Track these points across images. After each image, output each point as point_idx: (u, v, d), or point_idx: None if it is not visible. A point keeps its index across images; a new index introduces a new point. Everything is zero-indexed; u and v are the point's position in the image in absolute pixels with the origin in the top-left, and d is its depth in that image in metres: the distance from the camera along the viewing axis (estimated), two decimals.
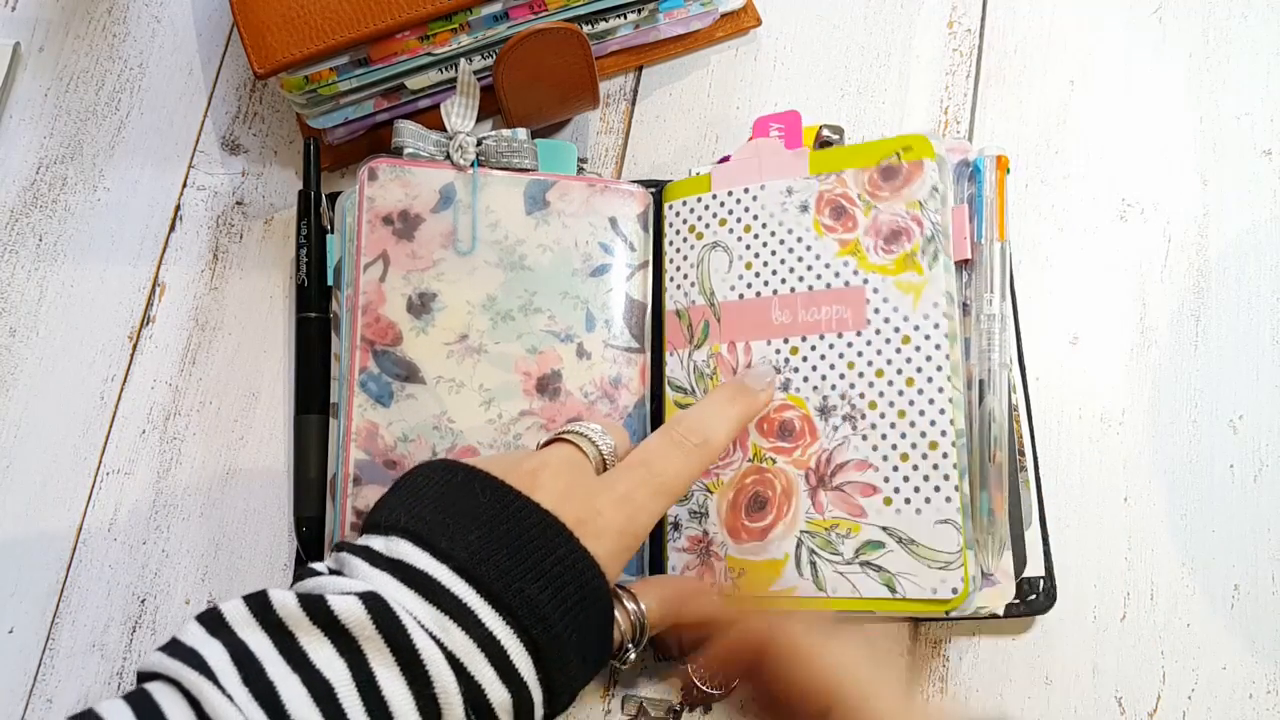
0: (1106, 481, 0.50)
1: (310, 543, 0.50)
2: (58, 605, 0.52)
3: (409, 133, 0.50)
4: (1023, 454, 0.47)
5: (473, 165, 0.50)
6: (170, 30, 0.61)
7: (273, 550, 0.52)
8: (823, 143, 0.50)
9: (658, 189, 0.53)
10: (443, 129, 0.51)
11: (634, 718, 0.48)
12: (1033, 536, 0.46)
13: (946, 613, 0.43)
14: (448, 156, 0.50)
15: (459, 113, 0.51)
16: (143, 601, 0.52)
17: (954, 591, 0.41)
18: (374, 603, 0.32)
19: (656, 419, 0.50)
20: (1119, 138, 0.56)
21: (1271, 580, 0.48)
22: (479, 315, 0.49)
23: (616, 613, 0.40)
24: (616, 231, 0.51)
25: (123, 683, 0.51)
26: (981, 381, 0.45)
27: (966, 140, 0.56)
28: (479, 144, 0.51)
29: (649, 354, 0.51)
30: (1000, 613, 0.46)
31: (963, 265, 0.46)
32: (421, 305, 0.48)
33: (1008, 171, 0.47)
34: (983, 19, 0.58)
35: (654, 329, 0.51)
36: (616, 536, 0.37)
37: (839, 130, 0.51)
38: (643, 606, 0.41)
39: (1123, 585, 0.49)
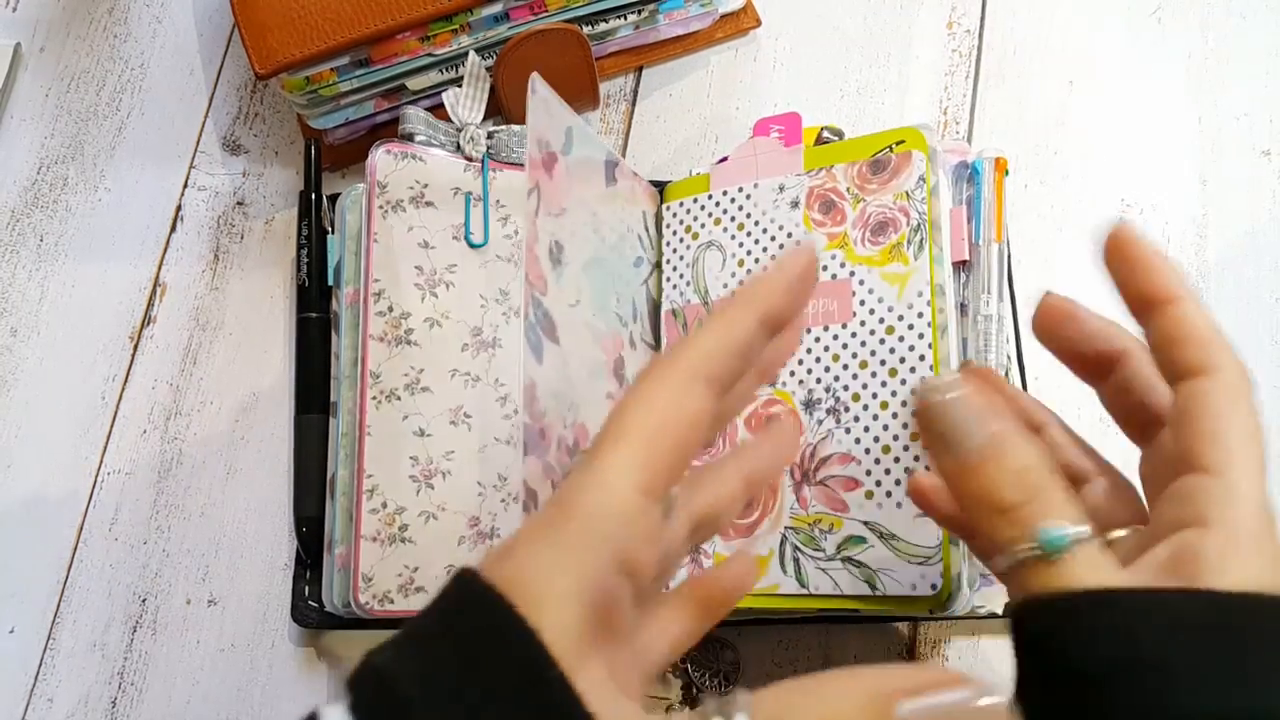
0: None
1: (310, 543, 0.50)
2: (58, 605, 0.52)
3: (420, 120, 0.50)
4: None
5: (484, 158, 0.50)
6: (171, 30, 0.62)
7: (273, 550, 0.52)
8: (822, 144, 0.50)
9: (659, 190, 0.53)
10: None
11: None
12: None
13: (930, 611, 0.42)
14: (458, 147, 0.50)
15: (466, 105, 0.51)
16: (143, 601, 0.52)
17: (933, 588, 0.41)
18: None
19: None
20: (1119, 138, 0.56)
21: None
22: (584, 281, 0.46)
23: None
24: (645, 227, 0.51)
25: (123, 682, 0.51)
26: None
27: (965, 142, 0.56)
28: (490, 137, 0.50)
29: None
30: (1000, 612, 0.46)
31: (961, 266, 0.46)
32: (558, 255, 0.43)
33: (1006, 173, 0.47)
34: (982, 20, 0.58)
35: (654, 330, 0.51)
36: None
37: (839, 133, 0.51)
38: None
39: None
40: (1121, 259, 0.30)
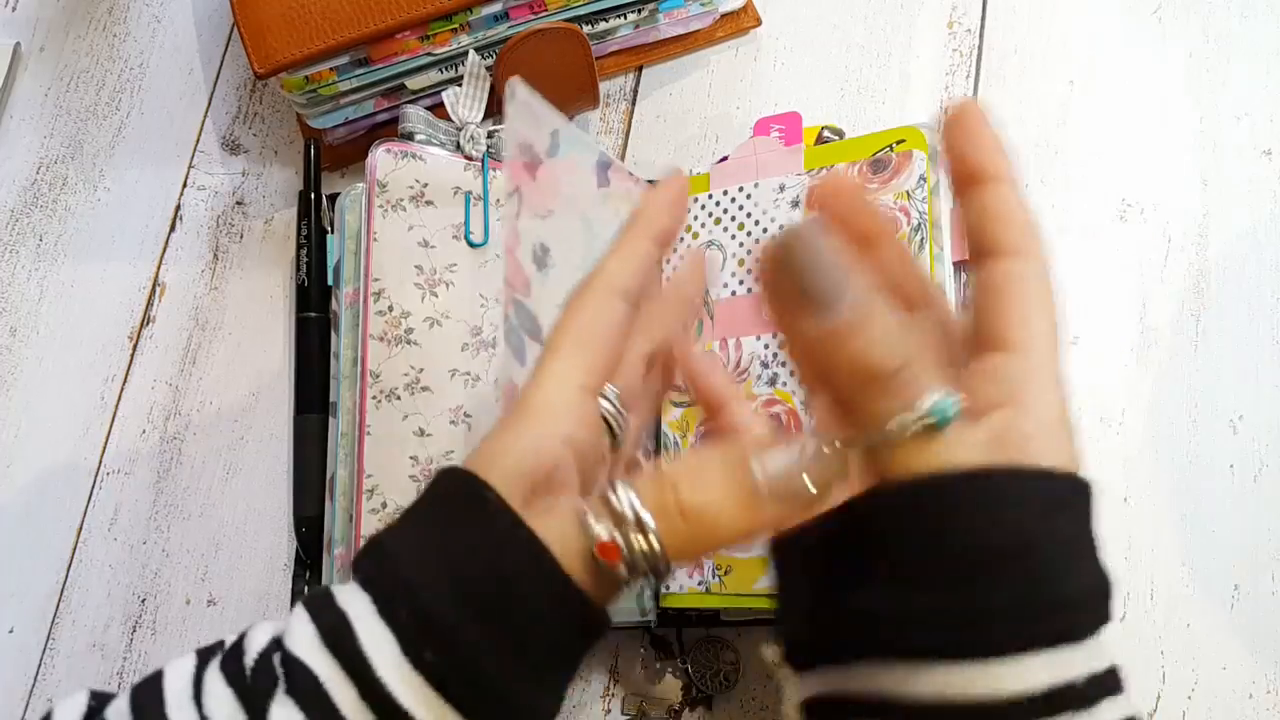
0: (1106, 481, 0.50)
1: (310, 543, 0.50)
2: (58, 605, 0.52)
3: (420, 119, 0.50)
4: None
5: (484, 157, 0.50)
6: (170, 30, 0.61)
7: (273, 550, 0.52)
8: (823, 144, 0.50)
9: None
10: None
11: (634, 718, 0.48)
12: None
13: None
14: (458, 146, 0.50)
15: (466, 104, 0.51)
16: (143, 601, 0.52)
17: None
18: None
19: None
20: (1119, 138, 0.56)
21: (1271, 580, 0.48)
22: (575, 284, 0.45)
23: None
24: None
25: (123, 682, 0.51)
26: None
27: None
28: (490, 136, 0.50)
29: None
30: None
31: (961, 265, 0.46)
32: (542, 257, 0.43)
33: None
34: (983, 19, 0.58)
35: None
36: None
37: (839, 133, 0.51)
38: (646, 516, 0.28)
39: (1123, 585, 0.49)
40: (958, 132, 0.31)
